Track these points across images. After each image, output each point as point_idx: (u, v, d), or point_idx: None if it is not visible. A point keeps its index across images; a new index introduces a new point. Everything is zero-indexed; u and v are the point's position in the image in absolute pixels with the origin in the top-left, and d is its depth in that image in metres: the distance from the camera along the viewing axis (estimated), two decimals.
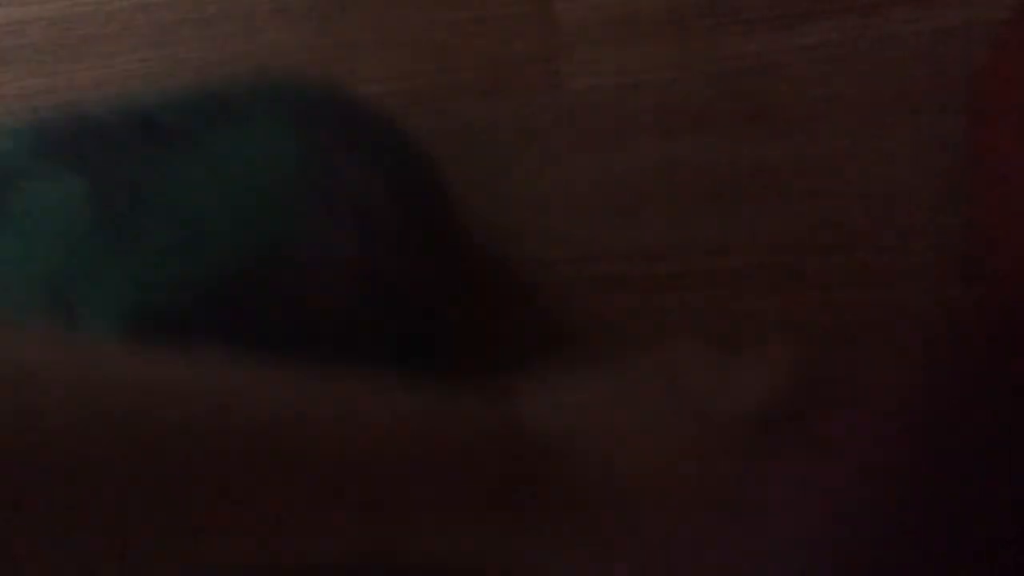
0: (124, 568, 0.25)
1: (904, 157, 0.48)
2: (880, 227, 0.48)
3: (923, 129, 0.48)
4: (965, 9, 0.49)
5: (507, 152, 0.51)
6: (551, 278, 0.50)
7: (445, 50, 0.53)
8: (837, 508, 0.31)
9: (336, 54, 0.54)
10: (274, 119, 0.41)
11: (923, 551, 0.30)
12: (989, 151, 0.42)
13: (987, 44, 0.45)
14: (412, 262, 0.42)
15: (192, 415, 0.25)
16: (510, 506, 0.31)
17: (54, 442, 0.23)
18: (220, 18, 0.55)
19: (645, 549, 0.31)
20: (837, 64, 0.50)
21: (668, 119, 0.50)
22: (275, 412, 0.27)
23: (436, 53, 0.53)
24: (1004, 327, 0.36)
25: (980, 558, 0.30)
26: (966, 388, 0.33)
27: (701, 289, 0.49)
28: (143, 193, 0.39)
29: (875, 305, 0.47)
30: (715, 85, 0.50)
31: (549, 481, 0.31)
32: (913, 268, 0.47)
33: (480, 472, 0.31)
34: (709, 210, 0.49)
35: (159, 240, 0.38)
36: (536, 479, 0.31)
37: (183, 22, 0.55)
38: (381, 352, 0.41)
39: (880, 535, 0.31)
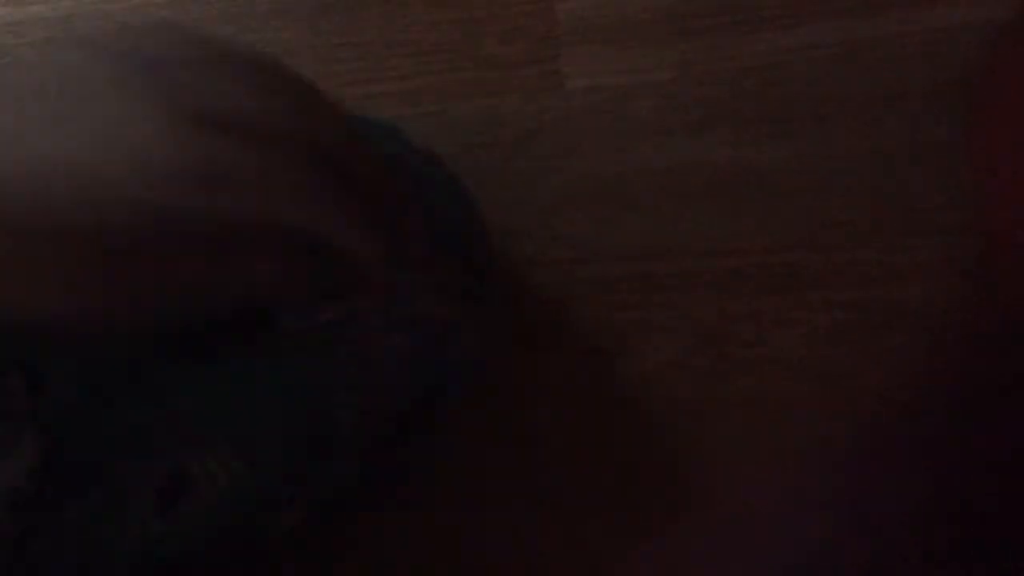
0: None
1: (904, 157, 0.48)
2: (880, 227, 0.48)
3: (923, 129, 0.49)
4: (964, 9, 0.49)
5: (507, 152, 0.51)
6: (551, 278, 0.50)
7: (445, 50, 0.53)
8: (836, 515, 0.31)
9: (336, 54, 0.54)
10: None
11: (923, 551, 0.30)
12: (988, 151, 0.42)
13: (986, 44, 0.45)
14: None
15: None
16: None
17: None
18: (220, 18, 0.55)
19: None
20: (837, 64, 0.50)
21: (668, 119, 0.50)
22: None
23: (436, 53, 0.53)
24: (1004, 327, 0.36)
25: (980, 558, 0.30)
26: (966, 388, 0.33)
27: (701, 289, 0.49)
28: None
29: (875, 305, 0.47)
30: (715, 85, 0.50)
31: None
32: (914, 268, 0.47)
33: None
34: (709, 210, 0.49)
35: None
36: None
37: (183, 22, 0.55)
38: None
39: (880, 535, 0.31)
